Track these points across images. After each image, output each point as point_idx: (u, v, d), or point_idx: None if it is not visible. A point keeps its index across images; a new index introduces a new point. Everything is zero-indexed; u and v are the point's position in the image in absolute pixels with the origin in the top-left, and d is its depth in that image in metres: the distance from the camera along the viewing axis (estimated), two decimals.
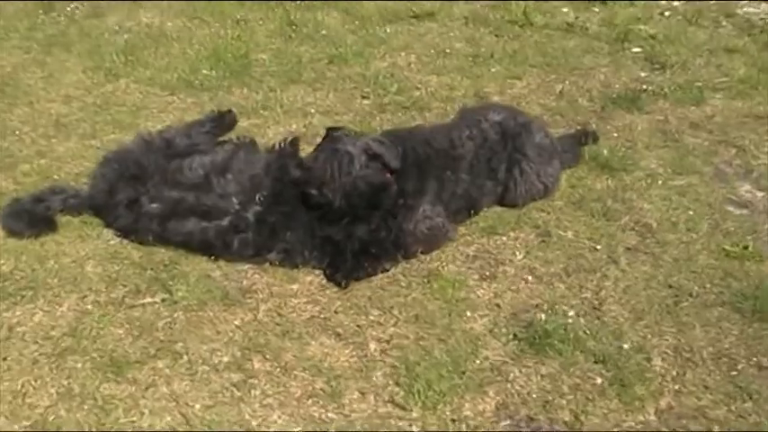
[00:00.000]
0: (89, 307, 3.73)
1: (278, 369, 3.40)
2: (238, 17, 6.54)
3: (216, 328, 3.60)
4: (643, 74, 5.72)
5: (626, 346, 3.50)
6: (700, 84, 5.52)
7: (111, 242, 4.11)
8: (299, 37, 6.21)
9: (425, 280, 3.87)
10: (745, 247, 4.03)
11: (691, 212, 4.30)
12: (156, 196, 3.99)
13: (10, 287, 3.83)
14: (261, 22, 6.46)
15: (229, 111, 4.95)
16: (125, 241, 4.09)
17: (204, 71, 5.69)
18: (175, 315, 3.68)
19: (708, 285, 3.83)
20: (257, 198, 3.93)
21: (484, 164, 4.18)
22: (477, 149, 4.17)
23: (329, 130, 4.10)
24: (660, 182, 4.53)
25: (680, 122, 5.11)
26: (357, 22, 6.45)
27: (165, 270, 3.92)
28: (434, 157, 4.08)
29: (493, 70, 5.73)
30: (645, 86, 5.51)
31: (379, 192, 3.90)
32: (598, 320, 3.63)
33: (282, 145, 4.29)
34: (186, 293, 3.77)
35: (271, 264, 3.94)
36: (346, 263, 3.86)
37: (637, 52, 5.99)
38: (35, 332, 3.58)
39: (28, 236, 4.11)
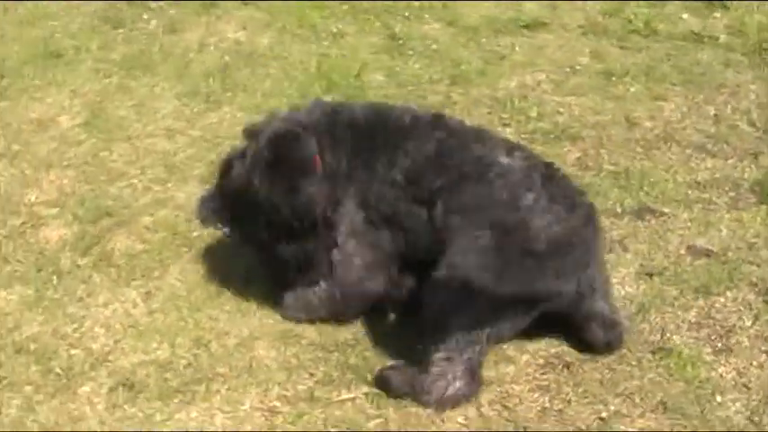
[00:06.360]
0: (276, 404, 3.25)
1: None
2: (334, 30, 5.96)
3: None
4: None
5: None
6: None
7: (276, 316, 3.64)
8: (409, 53, 5.67)
9: (656, 356, 3.42)
10: None
11: None
12: None
13: (174, 380, 3.34)
14: (360, 36, 5.90)
15: None
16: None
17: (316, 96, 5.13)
18: (384, 412, 3.21)
19: None
20: None
21: None
22: None
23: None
24: None
25: None
26: (466, 35, 5.92)
27: (354, 353, 3.45)
28: None
29: (632, 90, 5.25)
30: None
31: None
32: None
33: None
34: None
35: None
36: None
37: None
38: None
39: None
